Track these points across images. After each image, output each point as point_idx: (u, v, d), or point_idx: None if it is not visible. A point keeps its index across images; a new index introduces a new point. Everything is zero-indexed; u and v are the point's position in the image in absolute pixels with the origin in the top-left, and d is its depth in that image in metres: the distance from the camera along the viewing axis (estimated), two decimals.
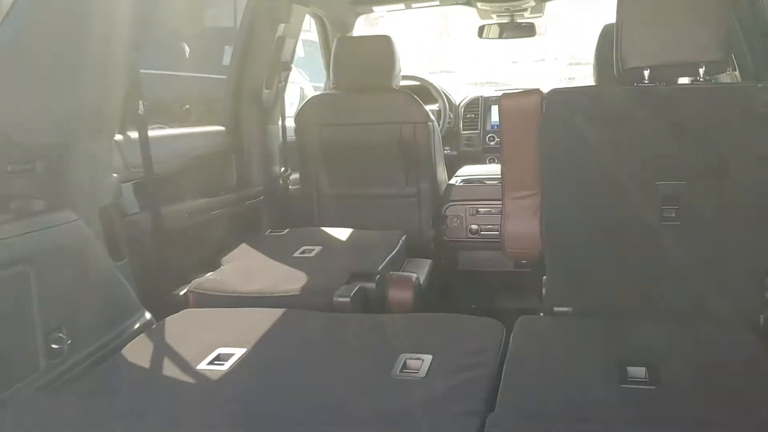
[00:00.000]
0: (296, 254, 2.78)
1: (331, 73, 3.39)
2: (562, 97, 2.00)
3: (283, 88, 3.55)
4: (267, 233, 3.15)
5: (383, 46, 3.28)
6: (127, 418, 1.64)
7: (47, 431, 1.60)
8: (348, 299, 2.35)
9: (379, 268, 2.59)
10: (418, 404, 1.63)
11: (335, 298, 2.35)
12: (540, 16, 4.10)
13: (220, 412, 1.64)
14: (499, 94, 4.26)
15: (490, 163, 4.19)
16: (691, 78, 1.91)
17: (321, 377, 1.81)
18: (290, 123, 3.69)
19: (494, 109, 4.23)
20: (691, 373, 1.69)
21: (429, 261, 2.97)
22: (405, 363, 1.83)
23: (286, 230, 3.16)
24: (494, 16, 4.07)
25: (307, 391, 1.74)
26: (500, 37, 4.05)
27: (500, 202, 3.23)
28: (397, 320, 2.17)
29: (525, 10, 3.97)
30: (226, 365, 1.87)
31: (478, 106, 4.27)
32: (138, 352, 1.99)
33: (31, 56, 1.88)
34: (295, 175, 3.61)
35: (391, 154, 3.33)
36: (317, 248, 2.83)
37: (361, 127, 3.34)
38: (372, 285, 2.49)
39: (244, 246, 2.90)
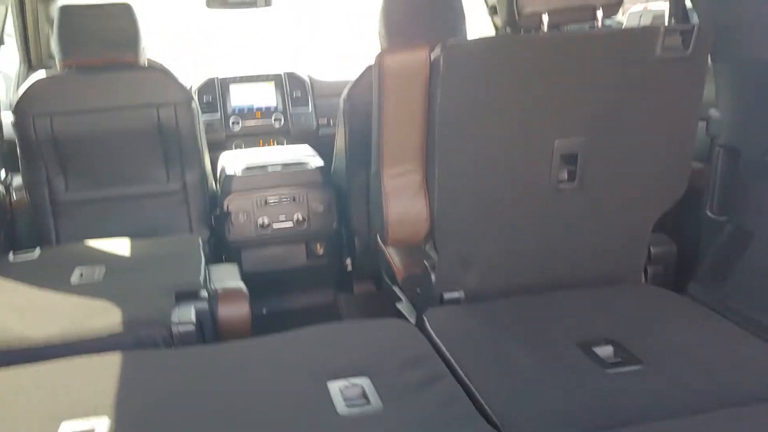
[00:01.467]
0: (75, 280, 2.13)
1: (58, 49, 2.69)
2: (461, 49, 1.72)
3: None
4: (10, 258, 2.39)
5: (123, 15, 2.69)
6: None
7: None
8: (193, 326, 1.84)
9: (202, 282, 2.10)
10: None
11: (175, 328, 1.82)
12: None
13: None
14: (238, 73, 3.88)
15: (236, 149, 3.76)
16: (590, 23, 1.78)
17: None
18: None
19: (234, 90, 3.79)
20: (658, 345, 1.59)
21: (234, 265, 2.50)
22: (343, 394, 1.45)
23: (36, 250, 2.43)
24: None
25: None
26: (240, 5, 3.62)
27: (289, 190, 2.93)
28: (278, 342, 1.74)
29: None
30: None
31: (214, 89, 3.79)
32: None
33: None
34: (17, 180, 2.83)
35: (148, 144, 2.76)
36: (99, 268, 2.20)
37: (106, 113, 2.71)
38: (204, 305, 2.00)
39: None
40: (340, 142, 2.89)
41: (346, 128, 2.78)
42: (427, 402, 1.41)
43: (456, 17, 2.70)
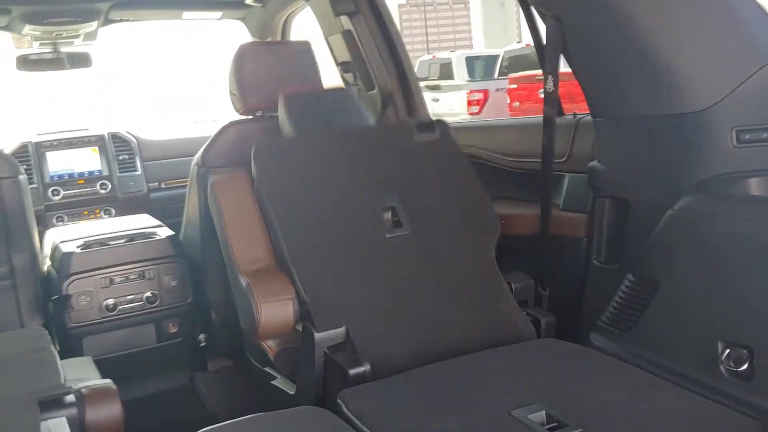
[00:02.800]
0: None
1: None
2: (269, 149, 2.11)
3: None
4: None
5: None
6: None
7: None
8: None
9: (66, 383, 1.80)
10: None
11: None
12: (92, 44, 3.47)
13: None
14: (55, 137, 3.51)
15: (59, 223, 3.36)
16: None
17: None
18: None
19: (50, 157, 3.41)
20: (589, 405, 1.57)
21: (88, 358, 2.19)
22: None
23: None
24: (37, 44, 3.29)
25: None
26: (54, 68, 3.29)
27: (137, 265, 2.66)
28: None
29: (78, 36, 3.30)
30: None
31: (28, 155, 3.39)
32: None
33: None
34: None
35: None
36: None
37: None
38: (74, 411, 1.71)
39: None
40: (191, 210, 2.68)
41: (199, 195, 2.58)
42: None
43: (311, 72, 2.63)
